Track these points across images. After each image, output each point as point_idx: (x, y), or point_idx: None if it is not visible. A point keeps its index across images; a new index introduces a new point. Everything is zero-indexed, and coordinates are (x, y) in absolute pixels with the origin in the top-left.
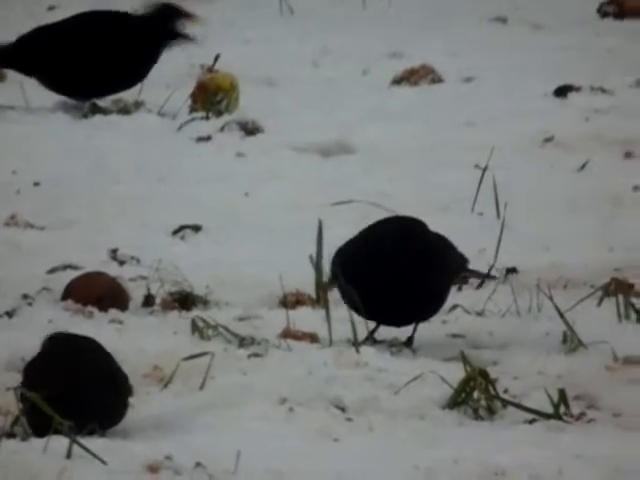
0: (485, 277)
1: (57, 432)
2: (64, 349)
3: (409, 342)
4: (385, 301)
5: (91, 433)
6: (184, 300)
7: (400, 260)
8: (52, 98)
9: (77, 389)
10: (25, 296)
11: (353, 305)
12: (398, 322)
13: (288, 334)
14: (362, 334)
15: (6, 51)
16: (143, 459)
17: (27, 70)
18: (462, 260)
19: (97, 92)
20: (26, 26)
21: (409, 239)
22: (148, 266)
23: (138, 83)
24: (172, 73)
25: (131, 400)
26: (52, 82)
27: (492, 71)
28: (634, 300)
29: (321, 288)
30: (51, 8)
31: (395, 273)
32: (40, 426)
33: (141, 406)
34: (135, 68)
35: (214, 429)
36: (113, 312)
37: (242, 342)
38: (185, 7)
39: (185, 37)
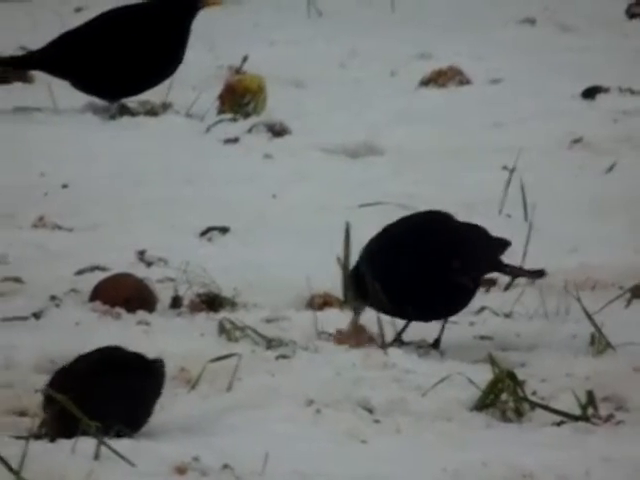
0: (522, 274)
1: (84, 433)
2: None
3: (436, 344)
4: (411, 294)
5: (118, 434)
6: (212, 302)
7: (425, 252)
8: (80, 100)
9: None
10: (53, 297)
11: (379, 303)
12: (425, 316)
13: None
14: (390, 336)
15: (38, 55)
16: (170, 460)
17: (59, 72)
18: (501, 244)
19: (135, 86)
20: (53, 27)
21: (434, 230)
22: (176, 268)
23: (177, 68)
24: (199, 75)
25: (159, 402)
26: (85, 83)
27: (520, 72)
28: None
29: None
30: (78, 10)
31: (420, 266)
32: (62, 428)
33: (168, 407)
34: (169, 53)
35: (241, 431)
36: (141, 313)
37: (269, 344)
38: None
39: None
